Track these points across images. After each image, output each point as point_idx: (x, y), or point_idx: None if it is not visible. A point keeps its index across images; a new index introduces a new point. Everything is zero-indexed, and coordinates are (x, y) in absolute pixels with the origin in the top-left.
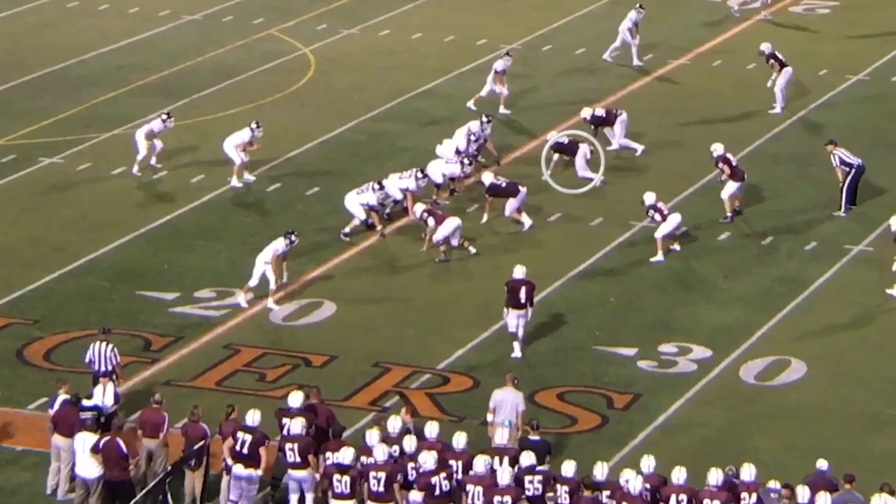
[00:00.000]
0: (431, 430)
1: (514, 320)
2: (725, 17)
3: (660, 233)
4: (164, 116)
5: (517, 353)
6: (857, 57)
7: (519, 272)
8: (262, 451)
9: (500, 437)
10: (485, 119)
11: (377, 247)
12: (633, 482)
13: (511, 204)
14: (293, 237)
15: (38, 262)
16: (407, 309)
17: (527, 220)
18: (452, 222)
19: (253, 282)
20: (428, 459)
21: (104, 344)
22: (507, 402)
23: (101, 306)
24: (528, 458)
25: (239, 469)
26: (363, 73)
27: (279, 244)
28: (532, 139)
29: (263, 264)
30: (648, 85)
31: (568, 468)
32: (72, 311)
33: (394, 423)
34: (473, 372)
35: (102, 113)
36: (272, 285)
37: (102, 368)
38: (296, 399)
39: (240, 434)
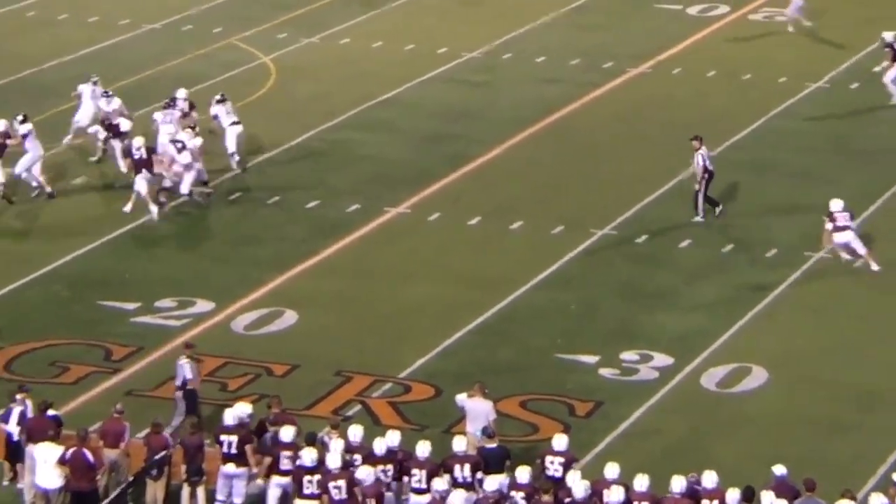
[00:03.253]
0: (393, 439)
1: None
2: (687, 24)
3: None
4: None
5: None
6: (817, 64)
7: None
8: (248, 447)
9: (459, 444)
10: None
11: (339, 254)
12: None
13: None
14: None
15: (0, 271)
16: (369, 316)
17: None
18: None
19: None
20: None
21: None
22: (479, 412)
23: (63, 315)
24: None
25: (229, 468)
26: (324, 81)
27: None
28: (493, 147)
29: None
30: (608, 93)
31: (522, 474)
32: (33, 320)
33: (355, 432)
34: (435, 380)
35: (62, 122)
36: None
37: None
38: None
39: (223, 436)
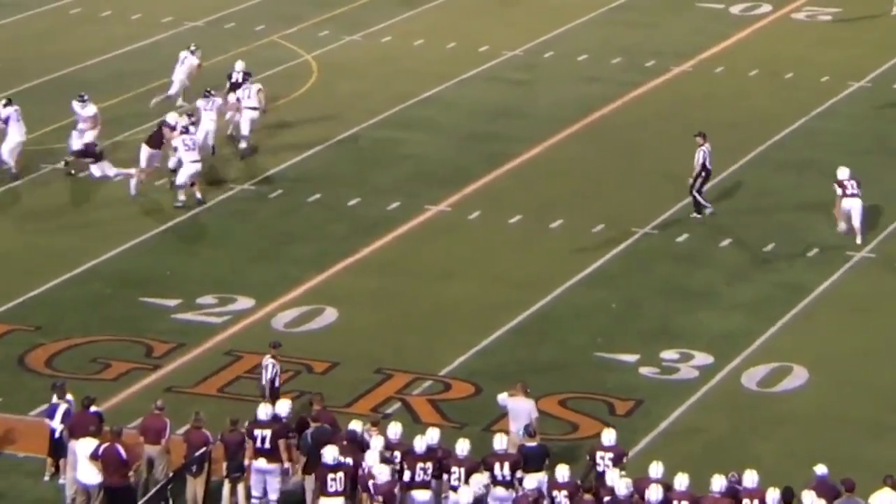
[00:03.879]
0: (433, 436)
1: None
2: (729, 23)
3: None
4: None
5: None
6: (859, 63)
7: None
8: (281, 443)
9: (500, 442)
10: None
11: (379, 252)
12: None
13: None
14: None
15: (40, 268)
16: (409, 314)
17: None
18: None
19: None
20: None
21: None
22: (521, 411)
23: (103, 313)
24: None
25: (261, 463)
26: (365, 79)
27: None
28: (534, 146)
29: None
30: (650, 92)
31: (563, 472)
32: (73, 317)
33: (394, 429)
34: (475, 378)
35: (106, 118)
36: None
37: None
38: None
39: (257, 431)
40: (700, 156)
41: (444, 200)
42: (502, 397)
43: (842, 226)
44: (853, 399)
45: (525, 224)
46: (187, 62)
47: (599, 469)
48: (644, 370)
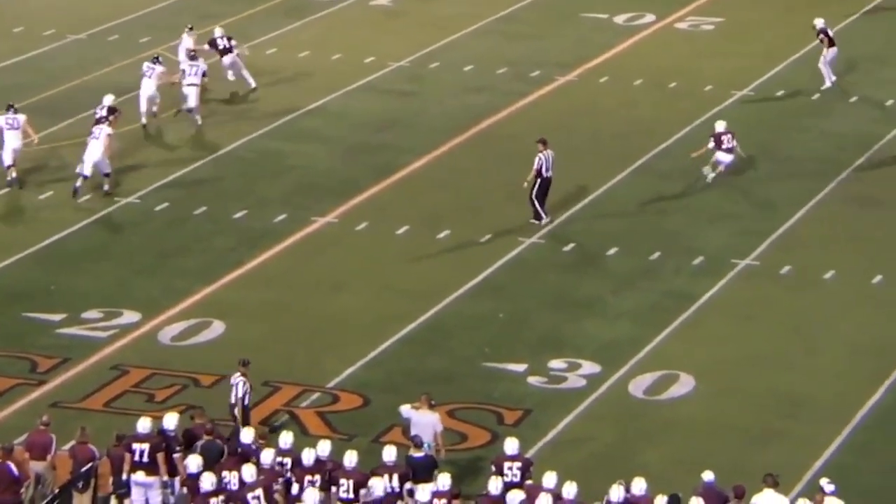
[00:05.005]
0: (323, 448)
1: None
2: (613, 33)
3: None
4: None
5: None
6: (742, 73)
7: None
8: (160, 456)
9: (389, 454)
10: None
11: (266, 265)
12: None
13: None
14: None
15: None
16: (297, 327)
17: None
18: None
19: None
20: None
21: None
22: (425, 424)
23: None
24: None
25: (140, 476)
26: (248, 90)
27: None
28: (421, 156)
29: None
30: (536, 102)
31: (444, 481)
32: None
33: (285, 438)
34: (364, 390)
35: None
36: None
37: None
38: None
39: (135, 445)
40: (536, 162)
41: (331, 212)
42: (405, 409)
43: (709, 174)
44: (740, 406)
45: (413, 235)
46: (155, 73)
47: (507, 479)
48: (532, 379)
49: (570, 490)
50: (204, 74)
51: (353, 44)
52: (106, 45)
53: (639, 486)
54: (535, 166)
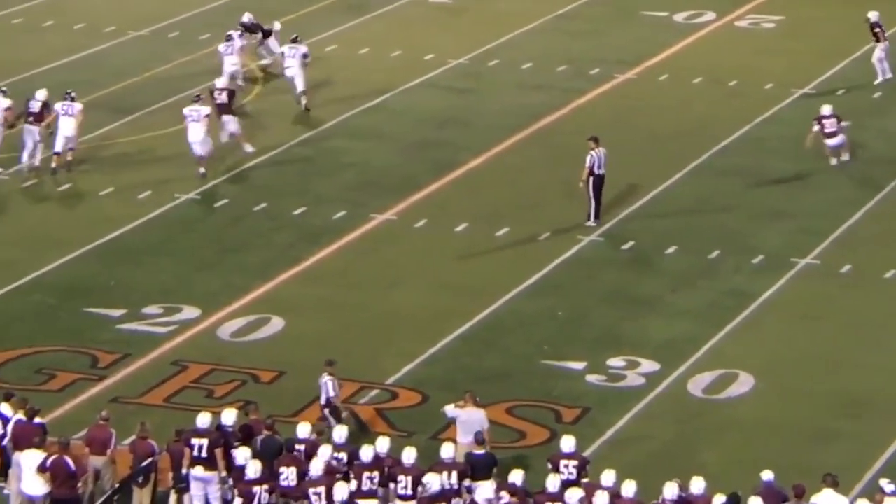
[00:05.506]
0: (382, 445)
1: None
2: (673, 31)
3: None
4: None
5: None
6: (803, 70)
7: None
8: (218, 451)
9: (447, 451)
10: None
11: (325, 261)
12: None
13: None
14: None
15: None
16: (355, 323)
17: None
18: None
19: None
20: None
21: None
22: (472, 422)
23: (48, 324)
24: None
25: (198, 472)
26: (311, 88)
27: None
28: (480, 154)
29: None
30: (594, 100)
31: (516, 477)
32: (18, 328)
33: (340, 433)
34: (422, 387)
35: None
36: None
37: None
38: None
39: (194, 440)
40: (588, 160)
41: (390, 209)
42: (450, 409)
43: (833, 160)
44: (799, 405)
45: (471, 232)
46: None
47: (564, 477)
48: (591, 378)
49: (629, 488)
50: (305, 56)
51: (413, 41)
52: (166, 41)
53: (697, 485)
54: (587, 164)
